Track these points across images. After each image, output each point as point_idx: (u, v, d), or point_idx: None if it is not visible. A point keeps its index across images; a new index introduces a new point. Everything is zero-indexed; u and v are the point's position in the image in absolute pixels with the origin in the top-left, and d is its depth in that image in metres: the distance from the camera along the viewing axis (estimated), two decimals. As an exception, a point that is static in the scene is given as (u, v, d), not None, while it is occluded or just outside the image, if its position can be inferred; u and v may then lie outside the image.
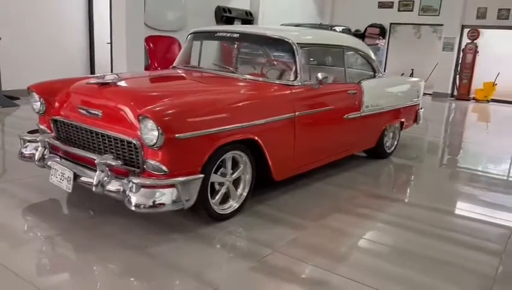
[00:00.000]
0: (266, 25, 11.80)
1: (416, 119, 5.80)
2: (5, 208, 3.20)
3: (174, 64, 4.37)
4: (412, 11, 13.75)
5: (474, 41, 12.82)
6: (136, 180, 2.70)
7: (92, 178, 2.92)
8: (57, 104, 3.42)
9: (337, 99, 4.14)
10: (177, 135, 2.69)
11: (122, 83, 3.20)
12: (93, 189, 2.85)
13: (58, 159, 3.22)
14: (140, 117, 2.70)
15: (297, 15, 12.90)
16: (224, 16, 10.63)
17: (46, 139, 3.29)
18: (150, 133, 2.68)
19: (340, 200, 3.86)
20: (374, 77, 4.94)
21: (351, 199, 3.92)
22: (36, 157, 3.30)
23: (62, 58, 8.77)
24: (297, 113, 3.58)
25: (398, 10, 13.99)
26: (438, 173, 5.22)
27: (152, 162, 2.75)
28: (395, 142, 5.46)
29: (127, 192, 2.75)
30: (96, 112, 3.04)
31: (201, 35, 4.41)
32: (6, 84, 7.61)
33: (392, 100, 5.07)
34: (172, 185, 2.73)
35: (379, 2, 14.24)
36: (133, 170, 2.87)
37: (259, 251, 2.77)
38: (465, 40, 13.05)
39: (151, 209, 2.73)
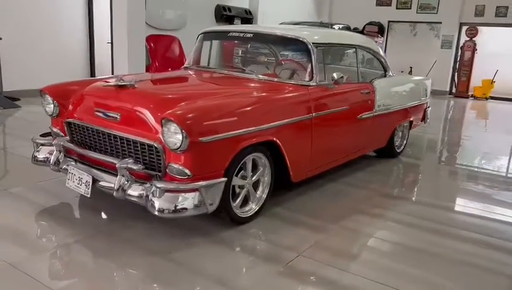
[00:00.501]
0: (266, 23, 11.75)
1: (424, 118, 5.79)
2: (21, 214, 3.13)
3: (185, 65, 4.31)
4: (410, 8, 13.77)
5: (473, 38, 12.87)
6: (159, 184, 2.65)
7: (111, 182, 2.88)
8: (71, 107, 3.36)
9: (352, 99, 4.11)
10: (201, 138, 2.64)
11: (141, 86, 3.14)
12: (114, 194, 2.80)
13: (75, 163, 3.16)
14: (163, 120, 2.65)
15: (295, 13, 12.86)
16: (224, 14, 10.57)
17: (62, 143, 3.23)
18: (174, 136, 2.63)
19: (356, 200, 3.84)
20: (385, 76, 4.92)
21: (366, 199, 3.89)
22: (51, 161, 3.24)
23: (62, 58, 8.66)
24: (314, 114, 3.54)
25: (396, 8, 14.01)
26: (448, 172, 5.21)
27: (175, 165, 2.70)
28: (404, 142, 5.45)
29: (150, 196, 2.70)
30: (115, 115, 2.98)
31: (212, 35, 4.36)
32: (6, 85, 7.50)
33: (402, 99, 5.05)
34: (196, 189, 2.68)
35: (377, 0, 14.24)
36: (154, 174, 2.82)
37: (284, 255, 2.73)
38: (464, 38, 13.08)
39: (174, 214, 2.68)
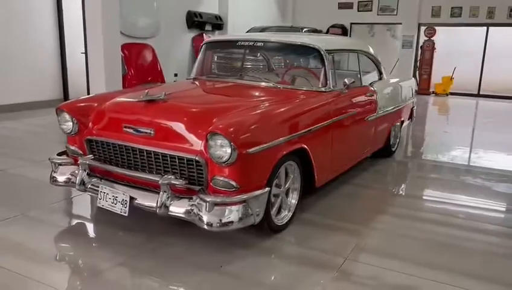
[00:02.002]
0: (236, 28, 11.79)
1: (411, 117, 6.05)
2: (50, 239, 2.99)
3: (192, 76, 4.27)
4: (371, 11, 14.25)
5: (431, 38, 13.51)
6: (208, 198, 2.63)
7: (149, 200, 2.83)
8: (91, 124, 3.25)
9: (359, 103, 4.23)
10: (248, 150, 2.65)
11: (171, 99, 3.09)
12: (157, 211, 2.74)
13: (108, 182, 3.06)
14: (209, 134, 2.63)
15: (261, 17, 12.99)
16: (195, 20, 10.50)
17: (87, 162, 3.12)
18: (221, 149, 2.62)
19: (373, 201, 3.96)
20: (381, 78, 5.09)
21: (382, 199, 4.04)
22: (77, 182, 3.11)
23: (31, 71, 8.27)
24: (333, 118, 3.63)
25: (358, 10, 14.44)
26: (444, 168, 5.46)
27: (221, 178, 2.69)
28: (398, 141, 5.66)
29: (197, 211, 2.67)
30: (148, 130, 2.91)
31: (217, 45, 4.35)
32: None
33: (397, 100, 5.25)
34: (243, 201, 2.68)
35: (339, 3, 14.62)
36: (198, 188, 2.78)
37: (331, 261, 2.78)
38: (423, 38, 13.70)
39: (223, 228, 2.66)
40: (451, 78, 13.37)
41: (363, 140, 4.43)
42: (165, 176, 2.78)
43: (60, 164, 3.34)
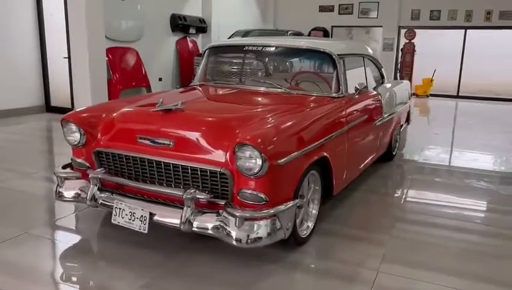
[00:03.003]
0: (221, 31, 11.64)
1: (408, 120, 6.05)
2: (62, 260, 2.78)
3: (195, 82, 4.11)
4: (352, 14, 14.36)
5: (412, 41, 13.70)
6: (238, 213, 2.49)
7: (170, 215, 2.68)
8: (100, 135, 3.05)
9: (369, 108, 4.17)
10: (278, 161, 2.52)
11: (190, 109, 2.93)
12: (181, 228, 2.58)
13: (122, 197, 2.87)
14: (237, 145, 2.49)
15: (243, 20, 12.87)
16: (179, 23, 10.29)
17: (99, 176, 2.92)
18: (250, 161, 2.48)
19: (387, 207, 3.90)
20: (382, 83, 5.05)
21: (396, 205, 3.99)
22: (88, 197, 2.92)
23: (9, 76, 7.89)
24: (348, 125, 3.54)
25: (339, 14, 14.52)
26: (446, 171, 5.46)
27: (248, 191, 2.55)
28: (397, 144, 5.64)
29: (225, 227, 2.53)
30: (166, 142, 2.75)
31: (222, 50, 4.20)
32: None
33: (398, 104, 5.23)
34: (273, 215, 2.55)
35: (320, 6, 14.67)
36: (222, 202, 2.63)
37: (363, 274, 2.68)
38: (404, 40, 13.89)
39: (252, 244, 2.52)
40: (432, 80, 13.59)
41: (372, 145, 4.37)
42: (189, 190, 2.62)
43: (66, 178, 3.13)
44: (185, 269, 2.69)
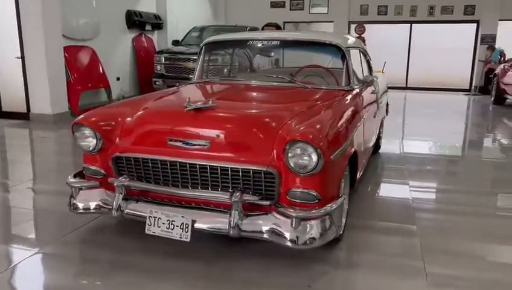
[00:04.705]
0: (176, 27, 11.30)
1: (387, 111, 6.19)
2: (97, 279, 2.49)
3: (203, 79, 3.88)
4: (302, 9, 14.52)
5: (362, 35, 14.11)
6: (294, 213, 2.37)
7: (212, 221, 2.51)
8: (119, 140, 2.78)
9: (369, 99, 4.18)
10: (331, 157, 2.43)
11: (221, 107, 2.75)
12: (230, 233, 2.42)
13: (156, 205, 2.63)
14: (290, 142, 2.36)
15: (195, 16, 12.59)
16: (136, 20, 9.85)
17: (125, 183, 2.66)
18: (304, 158, 2.37)
19: (400, 197, 3.94)
20: (371, 74, 5.10)
21: (406, 193, 4.02)
22: (114, 207, 2.66)
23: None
24: (363, 117, 3.53)
25: (290, 9, 14.63)
26: (428, 159, 5.64)
27: (298, 190, 2.44)
28: (381, 135, 5.75)
29: (279, 228, 2.40)
30: (202, 143, 2.55)
31: (222, 45, 4.02)
32: None
33: (384, 95, 5.32)
34: (327, 214, 2.45)
35: (271, 2, 14.69)
36: (268, 203, 2.50)
37: (411, 265, 2.67)
38: (354, 35, 14.28)
39: (307, 245, 2.41)
40: (382, 72, 14.07)
41: (373, 137, 4.41)
42: (235, 192, 2.46)
43: (80, 188, 2.83)
44: (231, 275, 2.53)
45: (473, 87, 13.48)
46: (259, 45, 3.83)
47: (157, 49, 10.67)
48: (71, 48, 7.98)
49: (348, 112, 3.07)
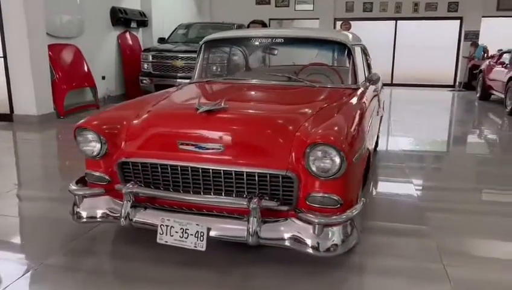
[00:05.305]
0: (162, 25, 11.06)
1: (383, 108, 6.15)
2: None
3: (204, 79, 3.73)
4: (288, 6, 14.44)
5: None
6: (316, 219, 2.26)
7: (228, 229, 2.39)
8: (124, 144, 2.63)
9: (374, 97, 4.11)
10: (353, 159, 2.34)
11: (234, 109, 2.62)
12: (249, 241, 2.30)
13: (167, 213, 2.49)
14: (311, 145, 2.25)
15: (180, 13, 12.37)
16: (120, 17, 9.59)
17: (134, 190, 2.52)
18: (326, 161, 2.26)
19: (404, 197, 3.89)
20: (370, 72, 5.04)
21: (411, 194, 3.97)
22: (122, 215, 2.51)
23: None
24: (372, 115, 3.45)
25: (276, 6, 14.53)
26: (427, 157, 5.62)
27: (319, 195, 2.33)
28: (379, 133, 5.70)
29: (300, 235, 2.30)
30: (216, 146, 2.43)
31: (224, 43, 3.88)
32: None
33: (381, 92, 5.27)
34: (350, 219, 2.36)
35: (256, -1, 14.58)
36: (286, 208, 2.39)
37: (433, 269, 2.59)
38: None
39: (330, 252, 2.31)
40: (368, 70, 14.14)
41: (376, 135, 4.34)
42: (253, 198, 2.34)
43: (84, 196, 2.67)
44: (249, 284, 2.42)
45: (457, 83, 13.64)
46: (262, 42, 3.70)
47: (142, 47, 10.43)
48: (55, 46, 7.71)
49: (361, 112, 2.97)
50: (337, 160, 2.24)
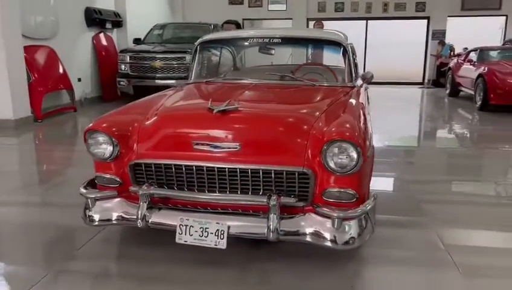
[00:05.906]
0: (136, 25, 10.91)
1: (365, 107, 6.32)
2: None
3: (202, 79, 3.73)
4: (261, 6, 14.52)
5: (320, 32, 14.35)
6: (335, 213, 2.33)
7: (250, 226, 2.43)
8: (137, 145, 2.62)
9: (367, 95, 4.24)
10: (368, 154, 2.42)
11: (248, 108, 2.66)
12: (270, 237, 2.35)
13: (186, 213, 2.50)
14: (328, 142, 2.32)
15: (152, 13, 12.24)
16: (95, 18, 9.40)
17: (150, 191, 2.51)
18: (342, 157, 2.34)
19: (410, 190, 4.04)
20: (357, 71, 5.17)
21: (405, 188, 4.12)
22: (139, 216, 2.50)
23: None
24: (369, 113, 3.55)
25: (249, 6, 14.59)
26: (410, 152, 5.81)
27: (335, 190, 2.41)
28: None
29: (320, 230, 2.36)
30: (233, 145, 2.45)
31: (217, 43, 3.90)
32: None
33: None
34: (365, 212, 2.44)
35: (229, -1, 14.59)
36: (302, 204, 2.45)
37: (442, 260, 2.70)
38: (312, 31, 14.51)
39: (348, 245, 2.39)
40: (341, 69, 14.41)
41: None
42: (272, 195, 2.39)
43: (96, 199, 2.64)
44: (269, 279, 2.46)
45: (426, 81, 14.11)
46: (259, 42, 3.74)
47: (117, 48, 10.26)
48: (30, 48, 7.49)
49: (364, 109, 3.07)
50: (355, 155, 2.32)
